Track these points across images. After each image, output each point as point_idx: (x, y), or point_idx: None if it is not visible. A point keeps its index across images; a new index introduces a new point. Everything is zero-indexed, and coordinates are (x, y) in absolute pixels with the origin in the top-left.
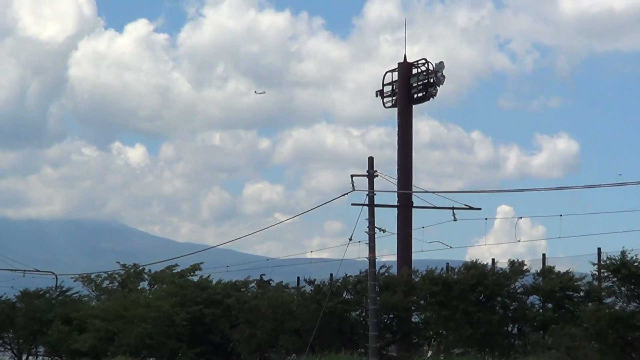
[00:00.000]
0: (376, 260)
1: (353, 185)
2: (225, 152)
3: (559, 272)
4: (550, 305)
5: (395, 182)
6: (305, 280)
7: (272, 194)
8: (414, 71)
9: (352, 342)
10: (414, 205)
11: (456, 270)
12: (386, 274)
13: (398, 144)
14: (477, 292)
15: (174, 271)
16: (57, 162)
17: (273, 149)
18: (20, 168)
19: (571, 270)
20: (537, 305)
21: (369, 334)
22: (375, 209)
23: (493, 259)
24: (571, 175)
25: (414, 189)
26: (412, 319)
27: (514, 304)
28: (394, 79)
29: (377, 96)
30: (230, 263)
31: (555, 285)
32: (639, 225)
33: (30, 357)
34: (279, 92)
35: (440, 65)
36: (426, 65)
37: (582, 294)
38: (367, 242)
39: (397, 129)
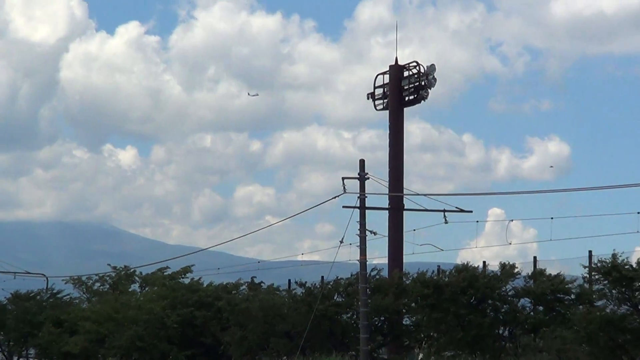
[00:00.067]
0: (367, 262)
1: (344, 187)
2: (217, 155)
3: (550, 274)
4: (541, 308)
5: (387, 184)
6: (296, 282)
7: (263, 196)
8: (405, 74)
9: (343, 344)
10: (405, 207)
11: (447, 272)
12: (377, 277)
13: (389, 146)
14: (468, 295)
15: (165, 273)
16: (48, 164)
17: (264, 152)
18: (11, 170)
19: (562, 272)
20: (528, 308)
21: (360, 337)
22: (367, 211)
23: (484, 262)
24: (562, 178)
25: (405, 191)
26: (403, 322)
27: (505, 306)
28: (385, 82)
29: (368, 99)
30: (222, 265)
31: (546, 287)
32: (630, 228)
33: None
34: (270, 95)
35: (432, 68)
36: (417, 67)
37: (573, 296)
38: (358, 244)
39: (388, 132)
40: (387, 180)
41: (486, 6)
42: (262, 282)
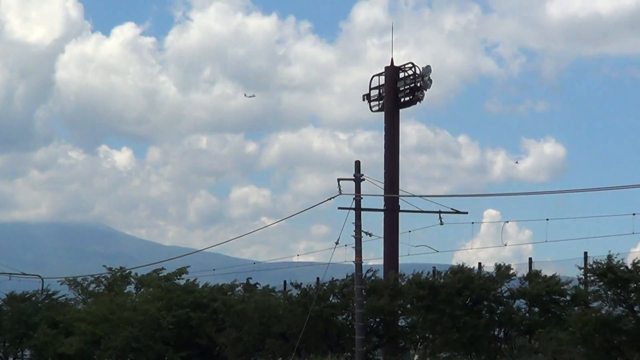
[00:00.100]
0: (363, 264)
1: (340, 189)
2: (212, 156)
3: (546, 276)
4: (536, 309)
5: (382, 186)
6: (291, 284)
7: (259, 197)
8: (401, 75)
9: (339, 345)
10: (400, 209)
11: (443, 274)
12: (373, 278)
13: (385, 147)
14: (464, 296)
15: (160, 275)
16: (44, 165)
17: (260, 153)
18: (7, 171)
19: (557, 274)
20: (523, 309)
21: (355, 338)
22: (362, 212)
23: (479, 263)
24: (558, 180)
25: (400, 193)
26: (399, 323)
27: (500, 308)
28: (380, 83)
29: (364, 100)
30: (217, 267)
31: (541, 289)
32: (625, 230)
33: None
34: (266, 96)
35: (427, 69)
36: (413, 69)
37: (568, 298)
38: (354, 245)
39: (384, 133)
40: (383, 181)
41: (482, 7)
42: (257, 283)
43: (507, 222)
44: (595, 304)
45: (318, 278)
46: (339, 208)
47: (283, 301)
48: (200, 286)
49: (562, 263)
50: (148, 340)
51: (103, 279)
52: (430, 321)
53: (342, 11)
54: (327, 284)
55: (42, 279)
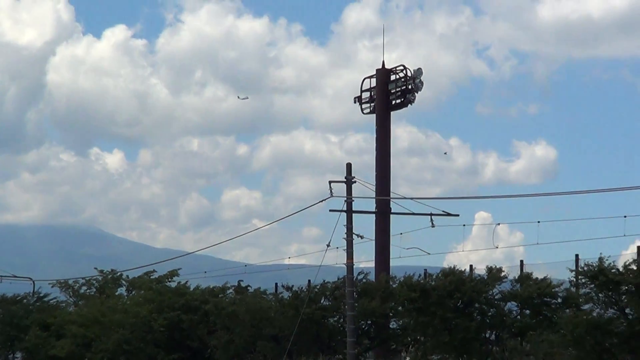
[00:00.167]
0: (354, 266)
1: (331, 191)
2: (204, 158)
3: (537, 278)
4: (527, 311)
5: (373, 188)
6: (283, 286)
7: (250, 200)
8: (392, 77)
9: (330, 348)
10: (392, 211)
11: (434, 276)
12: (364, 280)
13: (376, 150)
14: (455, 299)
15: (151, 277)
16: (35, 167)
17: (251, 155)
18: None
19: (549, 276)
20: (514, 312)
21: (346, 340)
22: (353, 215)
23: (471, 266)
24: (549, 182)
25: (392, 195)
26: (390, 325)
27: (491, 310)
28: (372, 86)
29: (355, 102)
30: (208, 269)
31: (533, 291)
32: (616, 232)
33: None
34: (258, 98)
35: (419, 72)
36: (404, 71)
37: (559, 300)
38: (345, 248)
39: (375, 136)
40: (374, 184)
41: (473, 10)
42: (248, 285)
43: (499, 224)
44: (586, 307)
45: (309, 280)
46: (330, 210)
47: (274, 303)
48: (191, 289)
49: (554, 265)
50: (139, 343)
51: (94, 282)
52: (422, 323)
53: (333, 13)
54: (318, 287)
55: (33, 282)
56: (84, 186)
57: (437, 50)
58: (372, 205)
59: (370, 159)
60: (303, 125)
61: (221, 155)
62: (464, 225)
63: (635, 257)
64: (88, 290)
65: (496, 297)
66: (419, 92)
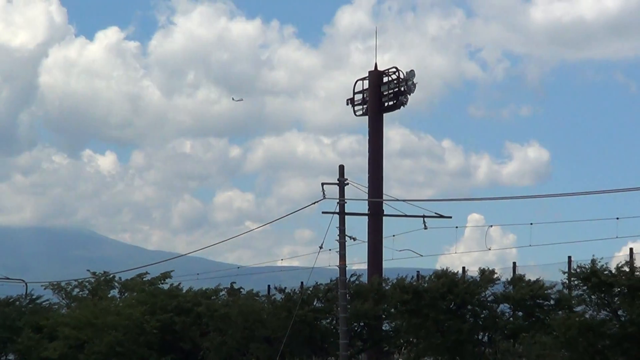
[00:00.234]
0: (347, 268)
1: (324, 193)
2: (196, 160)
3: (530, 280)
4: (520, 313)
5: (366, 190)
6: (275, 288)
7: (243, 202)
8: (385, 79)
9: (323, 350)
10: (384, 213)
11: (427, 278)
12: (357, 282)
13: (369, 152)
14: (448, 301)
15: (144, 279)
16: (28, 169)
17: (244, 157)
18: None
19: (541, 278)
20: (507, 314)
21: (339, 342)
22: (346, 217)
23: (463, 267)
24: (542, 184)
25: (384, 197)
26: (383, 327)
27: (484, 312)
28: (364, 87)
29: (348, 104)
30: (201, 271)
31: (525, 293)
32: (609, 234)
33: None
34: (250, 100)
35: (411, 74)
36: (397, 73)
37: (552, 302)
38: (338, 250)
39: (367, 137)
40: (367, 185)
41: (465, 12)
42: (241, 287)
43: (491, 226)
44: (579, 308)
45: (302, 282)
46: (323, 212)
47: (267, 305)
48: (184, 290)
49: (546, 267)
50: (132, 345)
51: (87, 284)
52: (414, 325)
53: (325, 16)
54: (311, 288)
55: (26, 284)
56: (76, 188)
57: (429, 52)
58: (364, 207)
59: (363, 160)
60: (296, 127)
61: (214, 157)
62: (457, 227)
63: (628, 259)
64: (81, 292)
65: (489, 299)
66: (411, 94)
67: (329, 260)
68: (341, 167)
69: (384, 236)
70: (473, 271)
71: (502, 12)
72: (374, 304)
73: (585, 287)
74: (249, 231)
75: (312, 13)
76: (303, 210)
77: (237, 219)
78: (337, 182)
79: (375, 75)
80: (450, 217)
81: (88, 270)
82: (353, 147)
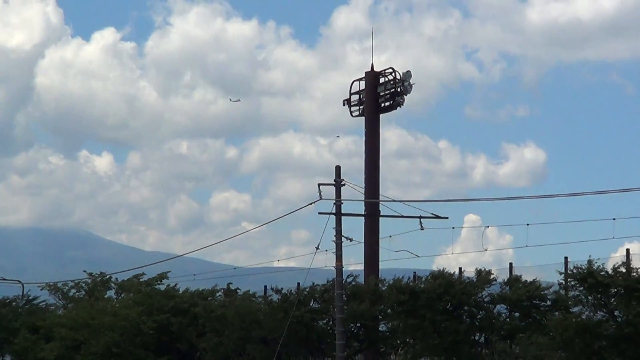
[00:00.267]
0: (343, 269)
1: (320, 194)
2: (193, 161)
3: (526, 281)
4: (517, 314)
5: (363, 191)
6: (272, 289)
7: (240, 202)
8: (381, 80)
9: (320, 350)
10: (381, 214)
11: (423, 279)
12: (353, 283)
13: (365, 153)
14: (444, 301)
15: (140, 280)
16: (24, 170)
17: (240, 158)
18: None
19: (538, 279)
20: (504, 314)
21: (336, 343)
22: (343, 217)
23: (460, 268)
24: (538, 185)
25: (381, 197)
26: (379, 328)
27: (481, 313)
28: (361, 88)
29: (344, 105)
30: (197, 272)
31: (522, 294)
32: (605, 235)
33: None
34: (247, 101)
35: (408, 75)
36: (393, 74)
37: (548, 303)
38: (334, 251)
39: (364, 138)
40: (363, 186)
41: (462, 13)
42: (238, 288)
43: (488, 227)
44: (575, 309)
45: (299, 283)
46: (319, 213)
47: (263, 306)
48: (180, 291)
49: (543, 268)
50: (128, 346)
51: (83, 284)
52: (411, 326)
53: (322, 16)
54: (307, 289)
55: (23, 284)
56: (73, 189)
57: (426, 53)
58: (361, 208)
59: (360, 161)
60: (292, 128)
61: (210, 158)
62: (453, 227)
63: (625, 260)
64: (77, 293)
65: (485, 299)
66: (408, 94)
67: (326, 261)
68: (337, 168)
69: (380, 237)
70: (470, 272)
71: (499, 12)
72: (371, 304)
73: (581, 288)
74: (246, 232)
75: (309, 14)
76: (299, 211)
77: (233, 220)
78: (334, 182)
79: (372, 76)
80: (447, 218)
81: (84, 271)
82: (349, 148)
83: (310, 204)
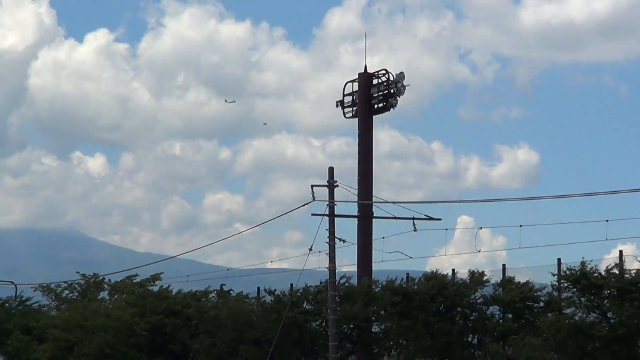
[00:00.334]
0: (336, 270)
1: (313, 195)
2: (186, 162)
3: (519, 282)
4: (510, 315)
5: (356, 192)
6: (265, 290)
7: (233, 204)
8: (375, 82)
9: (313, 352)
10: (374, 215)
11: (416, 280)
12: (346, 284)
13: (358, 154)
14: (437, 303)
15: (134, 281)
16: (17, 171)
17: (233, 159)
18: None
19: (531, 280)
20: (497, 316)
21: (329, 344)
22: (336, 219)
23: (453, 270)
24: (531, 186)
25: (374, 199)
26: (372, 329)
27: (474, 314)
28: (354, 90)
29: (337, 106)
30: (190, 273)
31: (515, 295)
32: (598, 236)
33: None
34: (240, 102)
35: (401, 76)
36: (386, 75)
37: (542, 304)
38: (328, 252)
39: (357, 140)
40: (357, 187)
41: (455, 14)
42: (231, 289)
43: (481, 228)
44: (568, 311)
45: (292, 284)
46: (312, 214)
47: (257, 307)
48: (173, 292)
49: (536, 269)
50: (122, 347)
51: (76, 286)
52: (404, 327)
53: (315, 18)
54: (300, 291)
55: (16, 285)
56: (66, 190)
57: (419, 54)
58: (354, 209)
59: (353, 162)
60: (285, 129)
61: (203, 159)
62: (446, 229)
63: (618, 261)
64: (70, 294)
65: (478, 301)
66: (401, 96)
67: (319, 262)
68: (331, 169)
69: (373, 238)
70: (463, 273)
71: (492, 14)
72: (364, 306)
73: (574, 290)
74: (239, 233)
75: (302, 15)
76: (293, 212)
77: (226, 221)
78: (327, 184)
79: (365, 78)
80: (440, 219)
81: (77, 272)
82: (343, 149)
83: (304, 205)
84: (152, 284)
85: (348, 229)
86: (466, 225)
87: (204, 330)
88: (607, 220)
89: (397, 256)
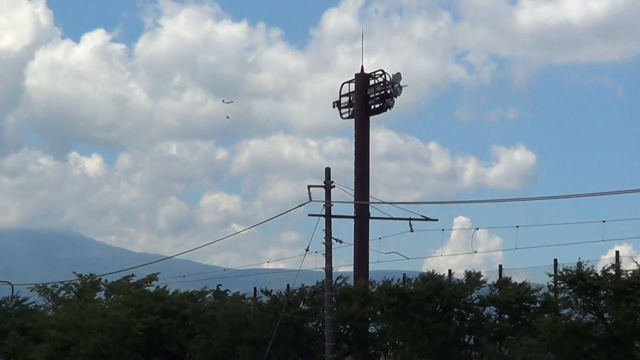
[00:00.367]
0: (333, 271)
1: (310, 196)
2: (182, 163)
3: (516, 283)
4: (506, 316)
5: (352, 193)
6: (262, 290)
7: (229, 204)
8: (371, 82)
9: (309, 352)
10: (370, 216)
11: (413, 281)
12: (343, 285)
13: (355, 154)
14: (434, 303)
15: (130, 281)
16: (14, 171)
17: (230, 160)
18: None
19: (527, 281)
20: (493, 316)
21: (325, 345)
22: (332, 219)
23: (450, 270)
24: (528, 187)
25: (371, 199)
26: (369, 330)
27: (470, 315)
28: (351, 90)
29: (334, 107)
30: (187, 273)
31: (511, 296)
32: (595, 237)
33: None
34: (236, 103)
35: (397, 77)
36: (383, 76)
37: (538, 305)
38: (324, 252)
39: (354, 140)
40: (353, 188)
41: (452, 15)
42: (227, 290)
43: (477, 229)
44: (565, 311)
45: (288, 285)
46: (309, 215)
47: (253, 308)
48: (170, 293)
49: (532, 270)
50: (118, 347)
51: (73, 286)
52: (400, 328)
53: (312, 18)
54: (297, 291)
55: (12, 286)
56: (62, 190)
57: (416, 55)
58: (351, 210)
59: (349, 163)
60: (282, 129)
61: (200, 159)
62: (443, 230)
63: (614, 262)
64: (67, 295)
65: (475, 301)
66: (397, 97)
67: (315, 263)
68: (327, 170)
69: (370, 239)
70: (459, 274)
71: (489, 15)
72: (360, 306)
73: (571, 290)
74: (235, 234)
75: (299, 16)
76: (289, 212)
77: (223, 222)
78: (324, 184)
79: (362, 78)
80: (437, 220)
81: (74, 273)
82: (339, 150)
83: (300, 205)
84: (148, 284)
85: (345, 230)
86: (463, 225)
87: (200, 330)
88: (603, 221)
89: (393, 257)
